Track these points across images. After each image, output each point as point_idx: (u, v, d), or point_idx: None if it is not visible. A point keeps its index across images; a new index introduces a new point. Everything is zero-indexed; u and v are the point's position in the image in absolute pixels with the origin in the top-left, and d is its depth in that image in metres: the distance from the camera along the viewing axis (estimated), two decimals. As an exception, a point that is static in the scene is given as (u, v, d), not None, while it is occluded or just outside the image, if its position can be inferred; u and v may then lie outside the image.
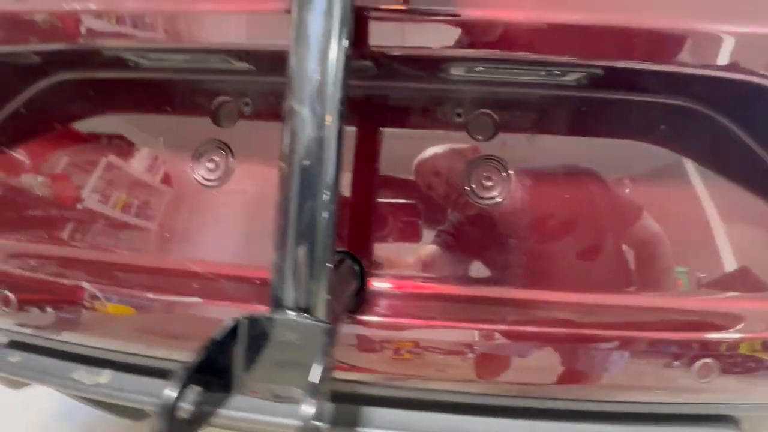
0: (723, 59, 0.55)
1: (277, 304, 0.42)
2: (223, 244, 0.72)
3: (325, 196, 0.42)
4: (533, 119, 0.67)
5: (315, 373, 0.32)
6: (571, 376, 0.61)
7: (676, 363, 0.59)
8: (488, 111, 0.68)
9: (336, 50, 0.42)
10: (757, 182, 0.63)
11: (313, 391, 0.32)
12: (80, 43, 0.61)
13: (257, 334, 0.39)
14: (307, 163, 0.42)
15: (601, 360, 0.60)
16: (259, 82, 0.70)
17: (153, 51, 0.61)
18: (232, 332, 0.39)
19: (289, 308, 0.41)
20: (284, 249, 0.42)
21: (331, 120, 0.42)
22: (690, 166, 0.66)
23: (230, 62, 0.63)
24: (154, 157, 0.74)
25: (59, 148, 0.76)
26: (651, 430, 0.65)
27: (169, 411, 0.33)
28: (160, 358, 0.70)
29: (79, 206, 0.75)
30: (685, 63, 0.55)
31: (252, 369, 0.39)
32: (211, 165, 0.72)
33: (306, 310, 0.41)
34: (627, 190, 0.66)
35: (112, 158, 0.74)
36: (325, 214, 0.42)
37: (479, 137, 0.69)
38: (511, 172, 0.67)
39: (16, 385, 0.96)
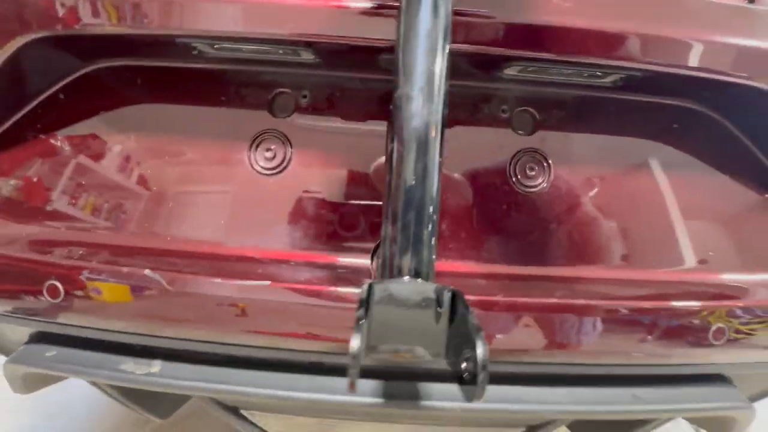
0: (725, 65, 0.66)
1: (394, 272, 0.46)
2: (282, 231, 0.74)
3: (433, 173, 0.47)
4: (568, 117, 0.76)
5: (481, 349, 0.34)
6: (612, 344, 0.68)
7: (697, 328, 0.68)
8: (529, 108, 0.76)
9: (442, 45, 0.48)
10: (754, 175, 0.75)
11: (483, 365, 0.34)
12: (151, 29, 0.62)
13: (383, 298, 0.43)
14: (418, 145, 0.47)
15: (640, 328, 0.68)
16: (318, 75, 0.74)
17: (226, 40, 0.63)
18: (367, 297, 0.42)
19: (407, 274, 0.45)
20: (397, 222, 0.46)
21: (437, 108, 0.47)
22: (697, 160, 0.77)
23: (298, 54, 0.67)
24: (211, 147, 0.75)
25: (111, 136, 0.75)
26: (669, 391, 0.74)
27: (357, 359, 0.35)
28: (216, 343, 0.70)
29: (130, 193, 0.74)
30: (701, 68, 0.65)
31: (382, 330, 0.43)
32: (269, 154, 0.74)
33: (418, 275, 0.46)
34: (648, 180, 0.76)
35: (166, 146, 0.74)
36: (433, 189, 0.47)
37: (521, 132, 0.76)
38: (551, 162, 0.75)
39: (32, 386, 0.91)
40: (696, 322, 0.69)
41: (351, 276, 0.72)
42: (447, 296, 0.42)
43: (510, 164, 0.74)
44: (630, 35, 0.60)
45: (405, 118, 0.47)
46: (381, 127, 0.75)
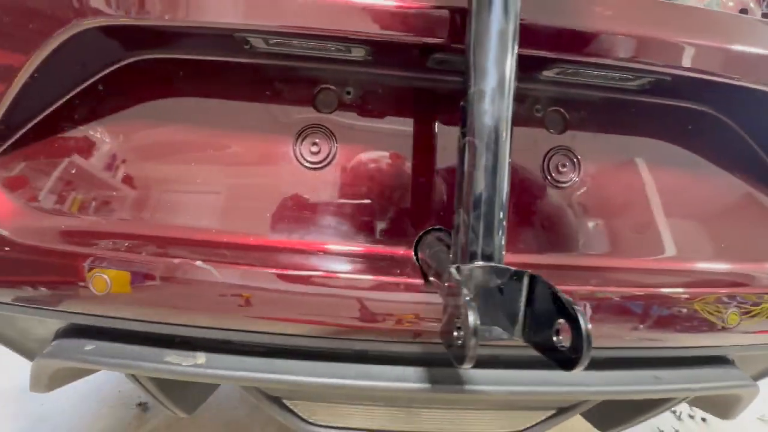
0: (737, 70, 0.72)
1: (468, 257, 0.49)
2: (326, 223, 0.75)
3: (504, 165, 0.50)
4: (595, 117, 0.81)
5: (584, 321, 0.37)
6: (639, 329, 0.74)
7: (713, 313, 0.75)
8: (560, 108, 0.80)
9: (512, 46, 0.51)
10: (757, 175, 0.82)
11: (587, 335, 0.37)
12: (212, 22, 0.62)
13: (469, 280, 0.45)
14: (490, 139, 0.50)
15: (663, 314, 0.73)
16: (363, 72, 0.76)
17: (284, 35, 0.64)
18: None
19: (480, 259, 0.48)
20: (471, 211, 0.49)
21: (508, 105, 0.51)
22: (707, 159, 0.84)
23: (349, 51, 0.68)
24: (256, 140, 0.75)
25: (154, 128, 0.75)
26: (685, 372, 0.81)
27: (474, 333, 0.37)
28: (261, 333, 0.71)
29: (175, 186, 0.74)
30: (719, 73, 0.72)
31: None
32: (314, 149, 0.75)
33: (491, 259, 0.49)
34: (668, 177, 0.82)
35: (211, 139, 0.75)
36: (504, 180, 0.50)
37: (552, 131, 0.81)
38: (580, 158, 0.79)
39: (57, 383, 0.89)
40: (713, 308, 0.76)
41: (395, 266, 0.75)
42: (526, 279, 0.45)
43: (543, 161, 0.79)
44: (662, 42, 0.65)
45: (478, 114, 0.50)
46: (421, 123, 0.78)
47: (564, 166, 0.80)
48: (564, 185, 0.79)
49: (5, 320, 0.83)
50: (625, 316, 0.75)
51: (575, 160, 0.80)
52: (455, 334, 0.40)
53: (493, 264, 0.47)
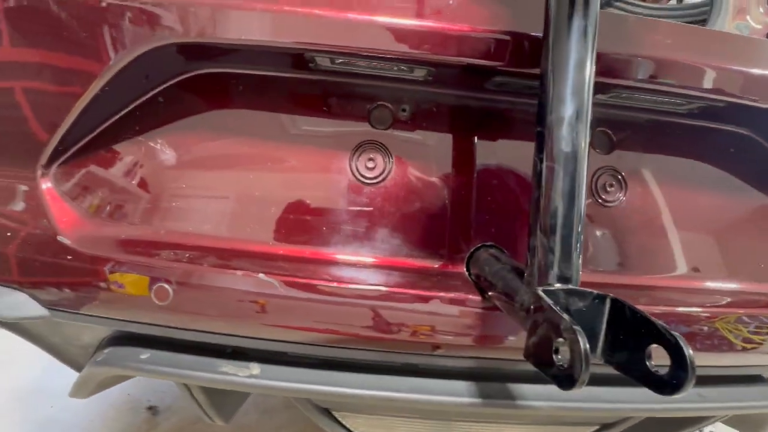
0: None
1: (545, 278, 0.50)
2: (381, 238, 0.77)
3: (581, 188, 0.52)
4: (641, 138, 0.83)
5: (685, 346, 0.39)
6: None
7: (755, 332, 0.76)
8: (607, 129, 0.83)
9: (590, 74, 0.53)
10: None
11: (690, 361, 0.39)
12: (283, 42, 0.64)
13: (555, 303, 0.47)
14: (567, 164, 0.51)
15: (709, 332, 0.75)
16: (420, 90, 0.77)
17: (351, 56, 0.66)
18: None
19: (557, 282, 0.50)
20: (548, 233, 0.51)
21: (586, 131, 0.52)
22: (746, 181, 0.86)
23: (411, 71, 0.70)
24: (314, 154, 0.77)
25: (213, 140, 0.76)
26: (726, 390, 0.82)
27: (586, 358, 0.38)
28: (317, 345, 0.72)
29: (234, 198, 0.75)
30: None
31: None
32: (370, 164, 0.77)
33: (568, 281, 0.50)
34: (709, 197, 0.84)
35: (269, 152, 0.76)
36: (581, 203, 0.52)
37: (599, 151, 0.83)
38: (626, 178, 0.81)
39: (100, 389, 0.89)
40: (755, 327, 0.78)
41: (447, 281, 0.76)
42: (608, 302, 0.47)
43: (591, 180, 0.81)
44: (721, 70, 0.67)
45: (557, 140, 0.52)
46: (474, 141, 0.80)
47: (611, 185, 0.82)
48: (611, 205, 0.81)
49: (53, 326, 0.84)
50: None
51: (621, 179, 0.82)
52: (557, 357, 0.41)
53: (576, 287, 0.48)
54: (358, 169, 0.78)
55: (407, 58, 0.63)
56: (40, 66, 0.68)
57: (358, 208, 0.77)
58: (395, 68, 0.71)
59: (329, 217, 0.76)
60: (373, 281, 0.74)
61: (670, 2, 1.48)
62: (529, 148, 0.79)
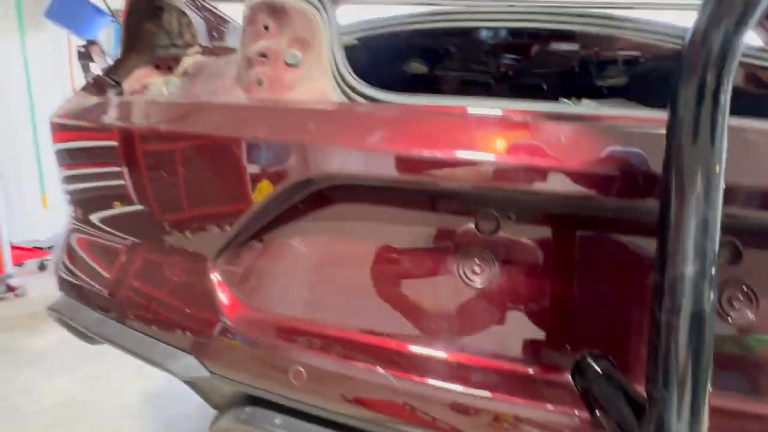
0: None
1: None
2: (485, 340, 0.83)
3: (710, 346, 0.52)
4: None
5: None
6: None
7: None
8: (733, 239, 0.78)
9: (714, 232, 0.54)
10: None
11: None
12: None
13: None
14: (693, 323, 0.52)
15: None
16: (528, 201, 0.83)
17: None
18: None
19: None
20: (676, 389, 0.52)
21: (713, 287, 0.53)
22: None
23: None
24: (423, 253, 0.87)
25: (349, 242, 0.91)
26: None
27: None
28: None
29: (357, 294, 0.88)
30: None
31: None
32: (477, 268, 0.84)
33: (693, 441, 0.51)
34: None
35: (390, 254, 0.88)
36: (710, 362, 0.52)
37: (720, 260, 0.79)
38: (754, 291, 0.76)
39: None
40: None
41: (552, 391, 0.78)
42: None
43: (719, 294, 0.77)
44: None
45: (678, 299, 0.53)
46: (579, 251, 0.82)
47: (738, 299, 0.77)
48: (736, 320, 0.76)
49: (208, 382, 1.04)
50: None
51: (751, 294, 0.77)
52: None
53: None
54: (465, 273, 0.85)
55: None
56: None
57: (466, 311, 0.84)
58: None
59: (440, 318, 0.84)
60: (476, 382, 0.79)
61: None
62: (638, 257, 0.79)
